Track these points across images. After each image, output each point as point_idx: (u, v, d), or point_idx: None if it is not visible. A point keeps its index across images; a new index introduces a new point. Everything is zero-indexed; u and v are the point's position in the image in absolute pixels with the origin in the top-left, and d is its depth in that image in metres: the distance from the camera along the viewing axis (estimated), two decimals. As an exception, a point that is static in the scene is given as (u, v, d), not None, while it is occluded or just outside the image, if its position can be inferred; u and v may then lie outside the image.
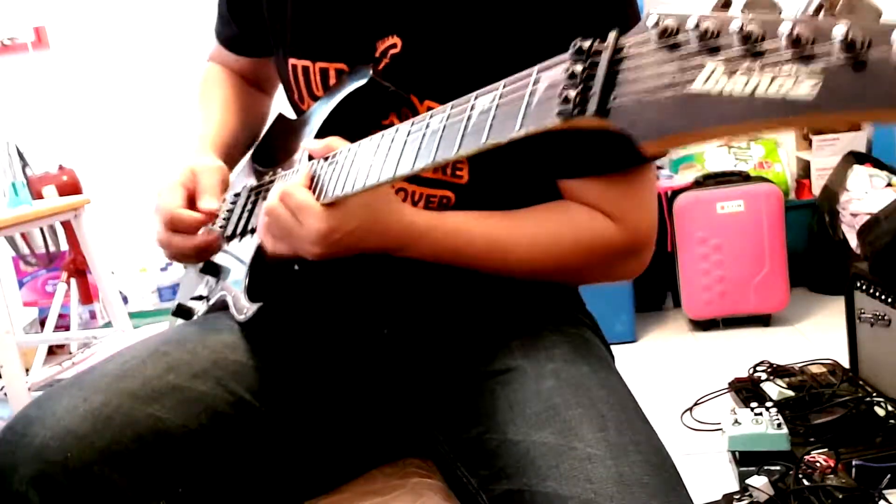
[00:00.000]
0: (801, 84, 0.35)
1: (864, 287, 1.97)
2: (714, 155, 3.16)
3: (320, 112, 0.86)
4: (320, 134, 0.84)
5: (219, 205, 0.86)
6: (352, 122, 0.83)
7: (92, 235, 2.62)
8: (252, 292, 0.83)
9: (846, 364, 2.09)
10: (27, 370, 2.32)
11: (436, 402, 0.84)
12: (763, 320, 2.77)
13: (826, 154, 3.03)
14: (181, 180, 0.88)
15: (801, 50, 0.36)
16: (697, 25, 0.40)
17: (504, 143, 0.52)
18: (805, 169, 3.15)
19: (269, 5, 0.93)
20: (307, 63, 0.89)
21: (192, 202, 0.87)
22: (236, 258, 0.90)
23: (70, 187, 3.10)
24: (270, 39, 0.95)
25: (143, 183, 3.42)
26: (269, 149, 1.02)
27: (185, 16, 3.26)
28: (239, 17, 1.02)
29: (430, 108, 0.81)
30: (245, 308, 0.83)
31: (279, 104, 1.07)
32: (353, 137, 0.73)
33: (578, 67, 0.47)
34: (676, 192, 2.81)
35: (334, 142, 0.75)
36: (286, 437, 0.82)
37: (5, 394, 2.12)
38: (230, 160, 1.00)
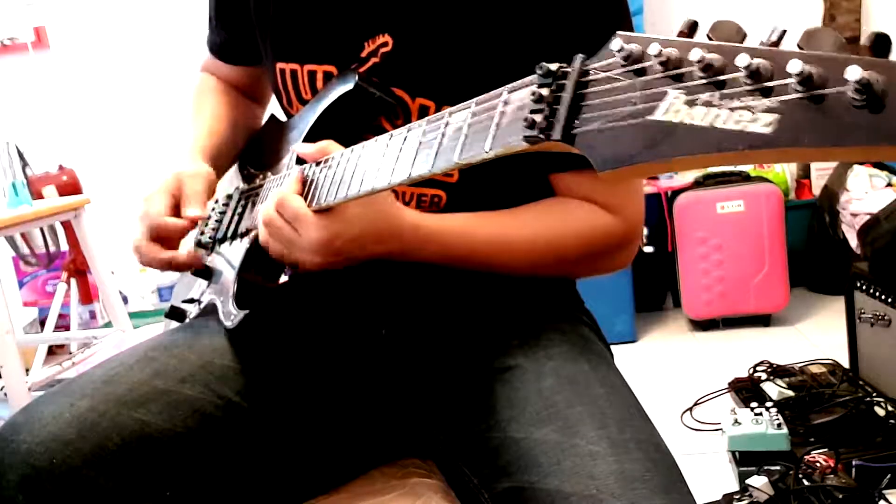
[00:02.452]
0: (759, 118, 0.36)
1: (864, 287, 1.97)
2: (714, 155, 3.16)
3: (309, 116, 0.86)
4: (309, 138, 0.84)
5: (203, 212, 0.87)
6: (340, 127, 0.83)
7: (92, 235, 2.62)
8: (240, 299, 0.83)
9: (846, 364, 2.09)
10: (27, 370, 2.32)
11: (436, 401, 0.84)
12: (763, 320, 2.77)
13: (826, 154, 3.03)
14: (167, 187, 0.88)
15: (760, 83, 0.36)
16: (659, 53, 0.40)
17: (476, 163, 0.54)
18: (805, 169, 3.15)
19: (255, 9, 0.93)
20: (295, 66, 0.89)
21: (177, 209, 0.88)
22: (227, 261, 0.90)
23: (70, 187, 3.10)
24: (259, 44, 0.95)
25: (143, 183, 3.42)
26: (259, 151, 1.02)
27: (185, 16, 3.26)
28: (227, 23, 1.02)
29: (422, 106, 0.81)
30: (232, 315, 0.83)
31: (273, 110, 1.07)
32: (342, 141, 0.73)
33: (545, 91, 0.47)
34: (676, 191, 2.81)
35: (330, 146, 0.75)
36: (280, 438, 0.82)
37: (5, 394, 2.12)
38: (218, 167, 1.00)
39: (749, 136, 0.36)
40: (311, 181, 0.74)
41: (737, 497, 1.57)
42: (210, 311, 0.91)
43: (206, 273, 0.94)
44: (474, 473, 0.75)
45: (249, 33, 0.96)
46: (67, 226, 2.94)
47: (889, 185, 2.76)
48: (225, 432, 0.79)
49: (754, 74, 0.36)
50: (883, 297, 1.89)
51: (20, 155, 3.26)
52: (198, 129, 1.02)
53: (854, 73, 0.32)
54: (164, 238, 0.87)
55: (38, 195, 2.98)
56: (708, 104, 0.38)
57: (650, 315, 3.07)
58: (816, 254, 2.94)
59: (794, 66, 0.34)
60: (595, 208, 0.81)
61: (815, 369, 2.11)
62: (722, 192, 2.71)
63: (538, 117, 0.47)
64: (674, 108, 0.39)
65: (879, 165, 2.86)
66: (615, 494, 0.62)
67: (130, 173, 3.45)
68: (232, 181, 1.05)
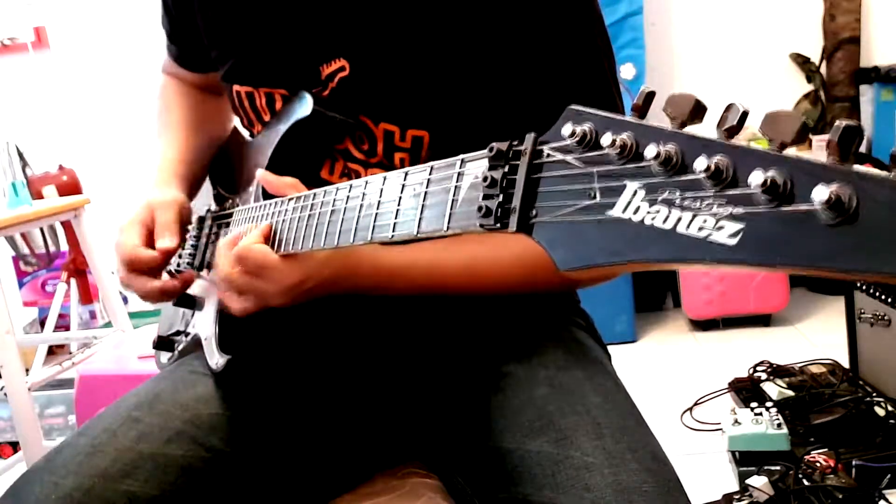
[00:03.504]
0: (724, 227, 0.33)
1: (864, 287, 1.97)
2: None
3: (270, 139, 0.85)
4: (273, 160, 0.83)
5: (175, 244, 0.85)
6: (303, 149, 0.82)
7: (92, 235, 2.62)
8: (223, 342, 0.82)
9: (846, 364, 2.09)
10: (27, 370, 2.32)
11: (429, 410, 0.83)
12: (763, 320, 2.77)
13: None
14: (139, 217, 0.87)
15: (722, 187, 0.33)
16: (613, 143, 0.37)
17: (436, 237, 0.51)
18: (805, 169, 3.14)
19: (206, 32, 0.91)
20: (250, 89, 0.88)
21: (151, 239, 0.86)
22: (208, 290, 0.88)
23: (70, 187, 3.10)
24: (212, 63, 0.93)
25: (142, 183, 3.42)
26: (226, 171, 1.00)
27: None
28: (181, 41, 1.01)
29: (386, 131, 0.80)
30: (215, 358, 0.81)
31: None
32: (307, 162, 0.73)
33: (497, 174, 0.44)
34: (676, 191, 2.81)
35: (297, 185, 0.74)
36: (271, 475, 0.81)
37: (5, 394, 2.12)
38: (195, 180, 0.99)
39: (713, 247, 0.33)
40: (278, 228, 0.72)
41: (737, 497, 1.57)
42: (197, 344, 0.89)
43: (189, 302, 0.92)
44: (468, 483, 0.75)
45: (200, 49, 0.94)
46: (67, 226, 2.94)
47: (889, 184, 2.76)
48: (214, 484, 0.77)
49: (715, 176, 0.33)
50: (883, 297, 1.89)
51: (20, 155, 3.26)
52: (168, 147, 1.00)
53: (821, 193, 0.30)
54: (140, 271, 0.85)
55: (38, 195, 2.98)
56: (669, 203, 0.35)
57: (650, 315, 3.07)
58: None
59: (756, 177, 0.32)
60: None
61: (815, 369, 2.11)
62: (722, 192, 2.71)
63: (492, 204, 0.44)
64: (633, 204, 0.37)
65: (879, 166, 2.86)
66: None
67: (130, 173, 3.45)
68: (208, 192, 1.03)
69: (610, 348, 0.91)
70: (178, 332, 0.97)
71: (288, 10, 0.83)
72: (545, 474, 0.66)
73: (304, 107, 0.81)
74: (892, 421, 1.76)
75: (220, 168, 1.03)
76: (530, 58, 0.75)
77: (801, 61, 3.05)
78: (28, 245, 3.33)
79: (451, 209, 0.48)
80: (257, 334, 0.84)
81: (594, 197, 0.39)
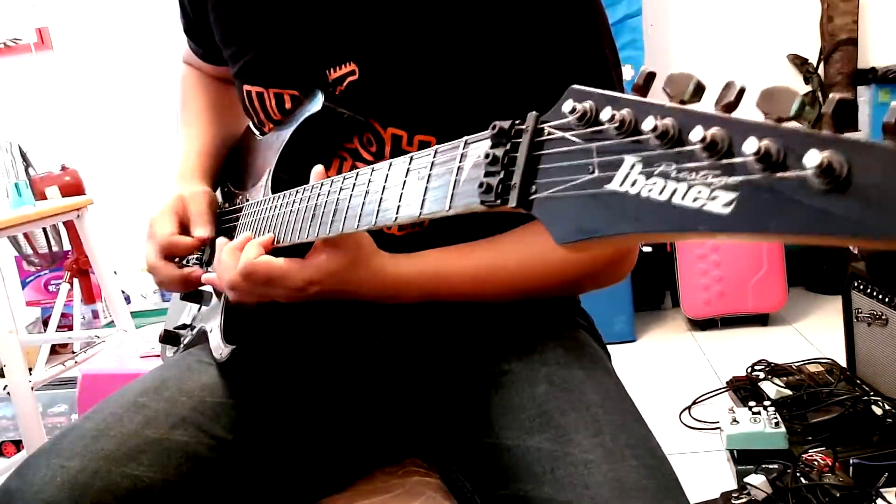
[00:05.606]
0: (718, 196, 0.33)
1: (861, 286, 1.98)
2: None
3: (281, 137, 0.86)
4: (283, 158, 0.84)
5: (210, 233, 0.88)
6: (312, 147, 0.83)
7: (94, 235, 2.63)
8: (228, 333, 0.83)
9: (844, 363, 2.10)
10: (30, 369, 2.33)
11: (430, 408, 0.83)
12: (761, 320, 2.78)
13: (824, 154, 3.03)
14: (172, 208, 0.90)
15: (716, 157, 0.33)
16: (612, 118, 0.38)
17: (439, 218, 0.51)
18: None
19: (219, 33, 0.93)
20: (260, 89, 0.89)
21: (183, 229, 0.90)
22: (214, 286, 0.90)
23: (73, 188, 3.11)
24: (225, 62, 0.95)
25: (145, 183, 3.43)
26: (237, 168, 1.02)
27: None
28: (197, 37, 1.02)
29: (394, 135, 0.80)
30: (220, 349, 0.83)
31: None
32: (317, 160, 0.73)
33: (499, 151, 0.45)
34: (676, 192, 2.82)
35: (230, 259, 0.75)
36: (274, 464, 0.82)
37: (8, 393, 2.13)
38: (216, 172, 1.02)
39: (708, 216, 0.33)
40: (285, 220, 0.73)
41: (735, 495, 1.58)
42: (202, 337, 0.90)
43: (196, 296, 0.94)
44: (468, 480, 0.75)
45: (216, 47, 0.96)
46: (70, 226, 2.95)
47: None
48: (218, 472, 0.78)
49: (710, 147, 0.33)
50: (880, 296, 1.90)
51: (23, 155, 3.26)
52: (191, 141, 1.03)
53: (813, 158, 0.30)
54: (175, 257, 0.89)
55: (40, 195, 2.99)
56: (665, 175, 0.35)
57: (649, 314, 3.08)
58: (814, 254, 2.95)
59: (751, 145, 0.32)
60: None
61: (812, 368, 2.11)
62: (721, 192, 2.72)
63: (493, 181, 0.44)
64: (630, 177, 0.37)
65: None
66: (610, 503, 0.62)
67: (133, 174, 3.47)
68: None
69: (609, 348, 0.91)
70: (183, 326, 0.99)
71: (299, 12, 0.84)
72: (544, 471, 0.66)
73: (315, 103, 0.82)
74: (888, 420, 1.77)
75: (230, 165, 1.04)
76: (537, 65, 0.76)
77: (799, 62, 3.06)
78: (31, 245, 3.34)
79: (454, 189, 0.49)
80: (262, 326, 0.86)
81: (593, 171, 0.39)
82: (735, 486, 1.65)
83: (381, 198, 0.58)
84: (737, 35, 3.07)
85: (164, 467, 0.75)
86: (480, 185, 0.45)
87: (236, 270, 0.73)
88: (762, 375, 2.13)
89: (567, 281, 0.83)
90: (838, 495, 1.50)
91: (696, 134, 0.34)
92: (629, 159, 0.37)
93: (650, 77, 0.38)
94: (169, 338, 0.99)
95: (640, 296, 2.98)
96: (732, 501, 1.57)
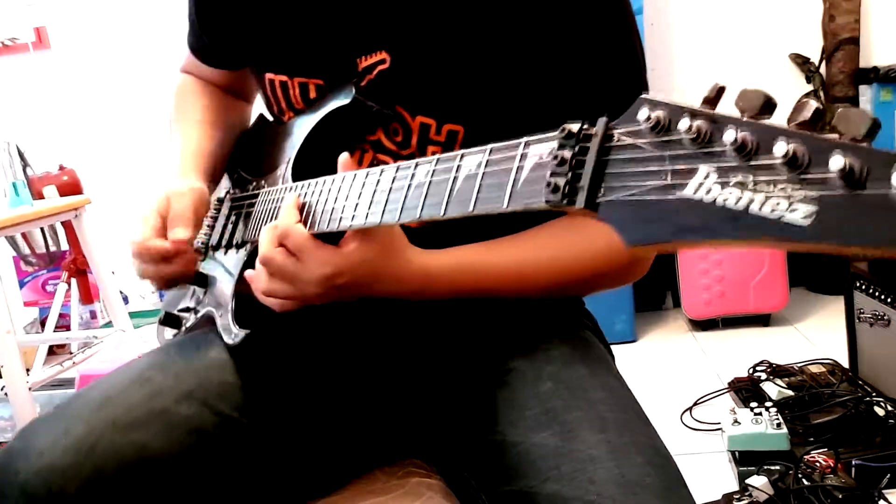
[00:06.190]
0: (797, 209, 0.34)
1: (863, 287, 1.97)
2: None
3: (303, 126, 0.85)
4: (304, 148, 0.83)
5: (188, 234, 0.85)
6: (335, 138, 0.82)
7: (92, 235, 2.62)
8: (240, 318, 0.82)
9: (846, 364, 2.09)
10: (28, 370, 2.32)
11: (435, 405, 0.83)
12: (762, 320, 2.77)
13: (826, 154, 3.03)
14: (157, 207, 0.87)
15: (797, 172, 0.34)
16: (689, 128, 0.39)
17: (492, 215, 0.52)
18: (805, 169, 3.15)
19: (242, 21, 0.91)
20: (284, 78, 0.88)
21: (166, 229, 0.87)
22: (224, 268, 0.89)
23: (71, 187, 3.10)
24: (245, 53, 0.94)
25: (143, 183, 3.43)
26: (251, 154, 1.00)
27: (186, 16, 3.26)
28: (210, 30, 0.99)
29: (422, 124, 0.80)
30: (233, 333, 0.82)
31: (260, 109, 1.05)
32: (338, 151, 0.72)
33: (567, 153, 0.45)
34: (676, 192, 2.81)
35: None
36: (278, 448, 0.82)
37: (6, 393, 2.13)
38: (215, 173, 0.99)
39: (786, 226, 0.34)
40: (307, 206, 0.72)
41: (736, 497, 1.57)
42: (206, 321, 0.90)
43: (201, 280, 0.92)
44: (473, 477, 0.75)
45: (232, 38, 0.94)
46: (68, 226, 2.94)
47: (888, 185, 2.76)
48: (222, 449, 0.78)
49: (791, 162, 0.34)
50: (882, 296, 1.89)
51: (21, 155, 3.26)
52: (188, 139, 1.00)
53: None
54: (152, 261, 0.86)
55: (38, 195, 2.99)
56: (742, 186, 0.36)
57: (650, 315, 3.07)
58: (815, 254, 2.94)
59: (836, 162, 0.33)
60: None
61: (814, 369, 2.11)
62: (722, 192, 2.71)
63: (560, 181, 0.45)
64: (705, 186, 0.38)
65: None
66: (615, 499, 0.62)
67: (131, 173, 3.46)
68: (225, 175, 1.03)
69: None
70: (187, 309, 0.98)
71: (330, 1, 0.84)
72: (549, 467, 0.66)
73: (345, 95, 0.81)
74: (891, 421, 1.76)
75: (243, 151, 1.03)
76: (569, 56, 0.76)
77: (801, 61, 3.05)
78: (29, 245, 3.33)
79: (513, 188, 0.49)
80: (271, 314, 0.85)
81: (665, 178, 0.40)
82: (737, 488, 1.64)
83: (427, 192, 0.58)
84: (738, 34, 3.07)
85: (169, 438, 0.75)
86: (548, 185, 0.46)
87: (273, 235, 0.71)
88: (764, 376, 2.13)
89: (592, 276, 0.83)
90: (840, 497, 1.49)
91: (780, 148, 0.35)
92: (704, 168, 0.38)
93: (720, 91, 0.39)
94: (169, 320, 0.98)
95: (641, 296, 2.97)
96: (734, 503, 1.56)
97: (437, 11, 0.79)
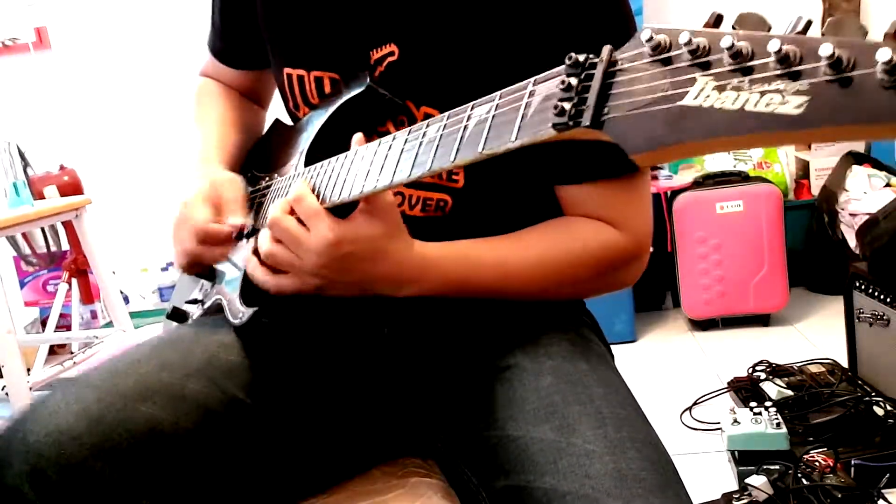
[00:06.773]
0: (789, 101, 0.36)
1: (862, 287, 1.97)
2: (714, 155, 3.17)
3: (317, 119, 0.87)
4: (317, 141, 0.84)
5: (244, 220, 0.87)
6: (348, 129, 0.83)
7: (93, 235, 2.63)
8: (247, 297, 0.83)
9: (845, 364, 2.09)
10: (28, 370, 2.33)
11: (435, 400, 0.84)
12: (762, 320, 2.77)
13: (825, 154, 3.04)
14: (205, 194, 0.89)
15: (789, 67, 0.37)
16: (689, 41, 0.41)
17: (500, 153, 0.53)
18: (804, 169, 3.15)
19: (264, 16, 0.93)
20: (302, 72, 0.90)
21: (217, 215, 0.88)
22: (230, 261, 0.90)
23: (71, 187, 3.11)
24: (266, 49, 0.96)
25: (144, 183, 3.43)
26: (265, 154, 1.02)
27: (186, 16, 3.27)
28: (233, 27, 1.02)
29: (427, 115, 0.81)
30: (240, 312, 0.83)
31: (276, 113, 1.07)
32: (349, 144, 0.73)
33: (573, 80, 0.48)
34: (676, 192, 2.82)
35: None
36: (282, 435, 0.83)
37: (6, 393, 2.13)
38: (234, 170, 1.00)
39: (780, 117, 0.37)
40: (316, 183, 0.74)
41: (736, 496, 1.58)
42: (215, 311, 0.91)
43: (210, 274, 0.94)
44: (473, 472, 0.75)
45: (254, 38, 0.97)
46: (68, 226, 2.95)
47: (888, 185, 2.77)
48: (228, 429, 0.79)
49: (784, 60, 0.37)
50: (882, 296, 1.89)
51: (21, 155, 3.27)
52: (209, 137, 1.02)
53: (884, 54, 0.33)
54: (211, 244, 0.88)
55: (39, 195, 2.99)
56: (737, 89, 0.39)
57: (650, 315, 3.08)
58: (815, 254, 2.95)
59: (826, 49, 0.35)
60: (602, 226, 0.81)
61: (813, 369, 2.11)
62: (721, 192, 2.71)
63: (567, 104, 0.47)
64: (703, 93, 0.40)
65: (878, 165, 2.87)
66: (611, 494, 0.62)
67: (131, 173, 3.46)
68: None
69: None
70: (194, 301, 0.99)
71: None
72: (547, 461, 0.67)
73: (358, 84, 0.83)
74: (890, 420, 1.76)
75: (256, 154, 1.05)
76: (571, 50, 0.76)
77: (801, 62, 3.05)
78: (29, 245, 3.34)
79: (521, 121, 0.52)
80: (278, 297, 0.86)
81: (665, 91, 0.42)
82: (736, 487, 1.65)
83: (438, 146, 0.60)
84: (737, 34, 3.07)
85: (178, 412, 0.76)
86: (555, 108, 0.48)
87: (286, 201, 0.73)
88: (763, 376, 2.13)
89: (587, 276, 0.84)
90: (840, 496, 1.50)
91: (773, 46, 0.37)
92: (702, 79, 0.41)
93: (719, 19, 0.42)
94: (177, 314, 1.00)
95: (641, 296, 2.97)
96: (734, 502, 1.56)
97: (444, 4, 0.80)
